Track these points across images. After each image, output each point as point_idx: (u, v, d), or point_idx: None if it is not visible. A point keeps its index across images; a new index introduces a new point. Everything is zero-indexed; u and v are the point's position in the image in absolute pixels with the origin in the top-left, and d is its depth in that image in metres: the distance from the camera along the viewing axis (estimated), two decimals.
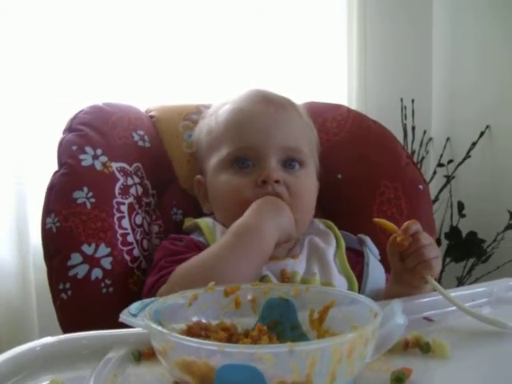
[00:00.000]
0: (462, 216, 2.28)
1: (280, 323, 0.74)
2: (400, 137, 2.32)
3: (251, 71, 1.91)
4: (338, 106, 1.34)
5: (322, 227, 1.14)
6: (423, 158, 2.38)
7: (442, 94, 2.47)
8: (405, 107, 2.34)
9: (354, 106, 2.23)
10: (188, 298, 0.72)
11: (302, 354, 0.53)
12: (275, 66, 1.98)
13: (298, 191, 1.06)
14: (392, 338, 0.62)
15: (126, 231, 1.07)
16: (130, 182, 1.12)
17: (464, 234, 2.28)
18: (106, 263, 1.03)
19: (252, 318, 0.74)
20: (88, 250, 1.02)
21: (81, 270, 1.02)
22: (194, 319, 0.70)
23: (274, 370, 0.53)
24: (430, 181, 2.34)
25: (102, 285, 1.02)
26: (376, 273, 1.04)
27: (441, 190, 2.34)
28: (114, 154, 1.12)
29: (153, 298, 0.70)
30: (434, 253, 0.92)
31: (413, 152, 2.35)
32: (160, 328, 0.59)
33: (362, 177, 1.24)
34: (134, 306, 0.68)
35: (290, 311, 0.74)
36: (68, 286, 1.01)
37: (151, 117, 1.25)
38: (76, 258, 1.02)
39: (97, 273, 1.02)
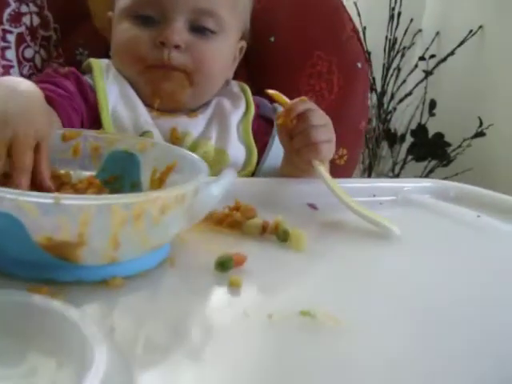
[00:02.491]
0: (432, 115, 2.17)
1: (120, 179, 0.66)
2: (385, 21, 2.18)
3: None
4: None
5: (236, 90, 1.03)
6: (405, 47, 2.23)
7: None
8: None
9: None
10: None
11: (72, 210, 0.44)
12: None
13: (203, 57, 0.93)
14: (201, 209, 0.53)
15: (9, 63, 0.97)
16: (23, 9, 0.99)
17: (431, 135, 2.19)
18: None
19: (93, 170, 0.67)
20: None
21: None
22: None
23: (40, 223, 0.44)
24: (410, 73, 2.22)
25: None
26: (280, 148, 0.94)
27: (416, 85, 2.21)
28: None
29: None
30: (325, 136, 0.82)
31: (395, 40, 2.20)
32: None
33: (295, 43, 1.11)
34: None
35: (134, 167, 0.66)
36: None
37: None
38: None
39: None
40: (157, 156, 0.64)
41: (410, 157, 2.21)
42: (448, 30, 2.22)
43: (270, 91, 0.84)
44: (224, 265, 0.55)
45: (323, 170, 0.78)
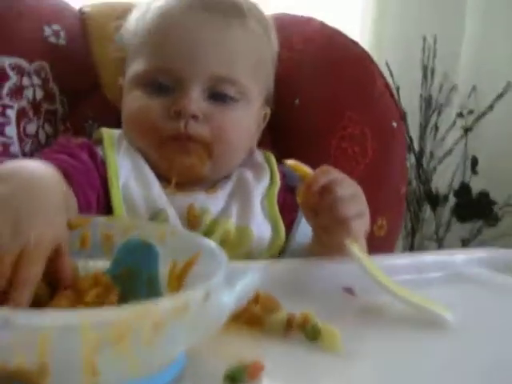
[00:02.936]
0: (475, 173, 2.06)
1: (136, 273, 0.55)
2: (418, 79, 2.10)
3: None
4: (310, 20, 1.09)
5: (260, 160, 0.93)
6: (441, 104, 2.13)
7: (473, 36, 2.19)
8: (429, 49, 2.07)
9: (366, 38, 2.00)
10: None
11: (27, 331, 0.33)
12: None
13: (224, 128, 0.84)
14: (212, 321, 0.42)
15: (9, 140, 0.89)
16: (26, 82, 0.92)
17: (475, 193, 2.07)
18: None
19: (105, 261, 0.56)
20: None
21: None
22: None
23: None
24: (448, 131, 2.11)
25: None
26: None
27: (456, 143, 2.11)
28: (10, 47, 0.91)
29: None
30: (355, 209, 0.71)
31: (430, 97, 2.11)
32: None
33: (323, 105, 1.01)
34: None
35: (151, 259, 0.55)
36: None
37: (82, 13, 1.04)
38: None
39: None
40: (177, 247, 0.54)
41: (454, 218, 2.09)
42: (484, 83, 2.12)
43: (289, 162, 0.74)
44: (235, 378, 0.44)
45: (356, 249, 0.67)
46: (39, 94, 0.94)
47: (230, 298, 0.43)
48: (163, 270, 0.54)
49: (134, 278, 0.55)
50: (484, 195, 2.05)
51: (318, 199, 0.70)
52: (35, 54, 0.95)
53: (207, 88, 0.84)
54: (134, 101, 0.87)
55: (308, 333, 0.53)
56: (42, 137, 0.95)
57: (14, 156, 0.89)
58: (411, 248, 2.09)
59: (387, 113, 1.02)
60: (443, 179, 2.12)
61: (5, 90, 0.89)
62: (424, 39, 2.07)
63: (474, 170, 2.07)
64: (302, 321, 0.54)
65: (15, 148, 0.90)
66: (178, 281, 0.54)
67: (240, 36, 0.87)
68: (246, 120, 0.88)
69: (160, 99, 0.84)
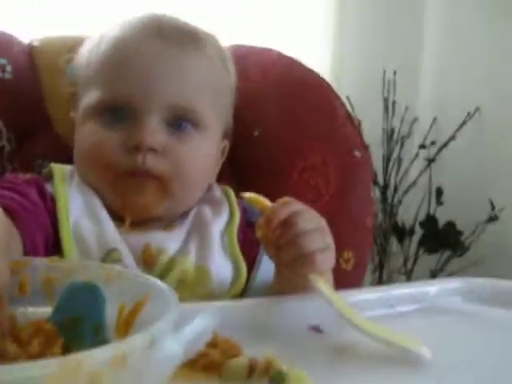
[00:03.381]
0: (440, 203, 2.06)
1: (81, 320, 0.49)
2: (380, 112, 2.10)
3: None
4: (268, 50, 1.07)
5: (219, 195, 0.89)
6: (403, 137, 2.13)
7: (432, 68, 2.21)
8: (389, 82, 2.09)
9: (327, 73, 1.99)
10: None
11: None
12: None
13: (183, 162, 0.80)
14: (158, 372, 0.37)
15: None
16: None
17: (441, 224, 2.06)
18: None
19: (46, 308, 0.51)
20: None
21: None
22: None
23: None
24: (412, 163, 2.13)
25: None
26: None
27: (420, 175, 2.11)
28: None
29: None
30: (319, 242, 0.67)
31: (392, 130, 2.11)
32: None
33: (282, 136, 0.99)
34: None
35: (97, 304, 0.50)
36: None
37: (31, 46, 1.00)
38: None
39: None
40: (124, 288, 0.49)
41: (421, 250, 2.07)
42: (445, 114, 2.14)
43: (247, 195, 0.70)
44: None
45: (322, 284, 0.63)
46: None
47: (179, 343, 0.38)
48: (111, 314, 0.50)
49: (79, 325, 0.49)
50: (450, 225, 2.05)
51: (279, 233, 0.66)
52: None
53: (165, 118, 0.80)
54: (87, 134, 0.81)
55: (273, 379, 0.49)
56: None
57: None
58: (380, 282, 2.06)
59: (349, 142, 0.99)
60: (409, 211, 2.11)
61: None
62: (384, 73, 2.07)
63: (439, 201, 2.06)
64: (266, 366, 0.50)
65: None
66: (126, 326, 0.49)
67: (196, 64, 0.84)
68: (204, 151, 0.84)
69: (115, 132, 0.79)
